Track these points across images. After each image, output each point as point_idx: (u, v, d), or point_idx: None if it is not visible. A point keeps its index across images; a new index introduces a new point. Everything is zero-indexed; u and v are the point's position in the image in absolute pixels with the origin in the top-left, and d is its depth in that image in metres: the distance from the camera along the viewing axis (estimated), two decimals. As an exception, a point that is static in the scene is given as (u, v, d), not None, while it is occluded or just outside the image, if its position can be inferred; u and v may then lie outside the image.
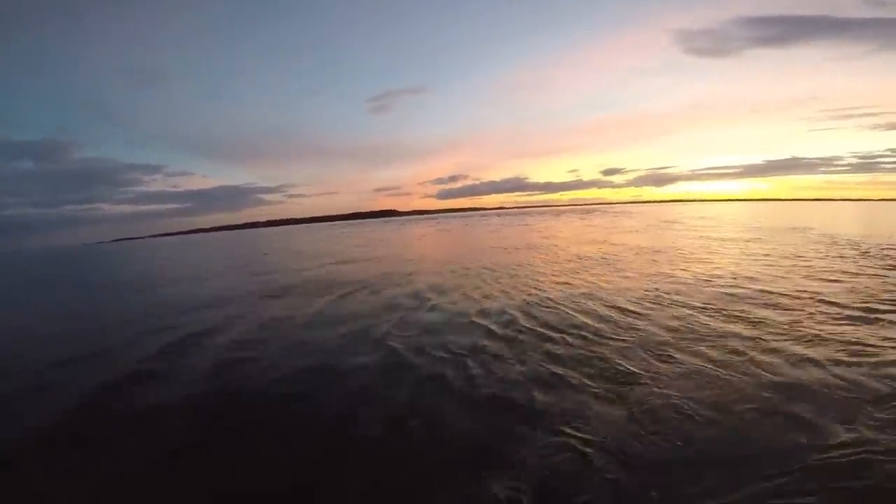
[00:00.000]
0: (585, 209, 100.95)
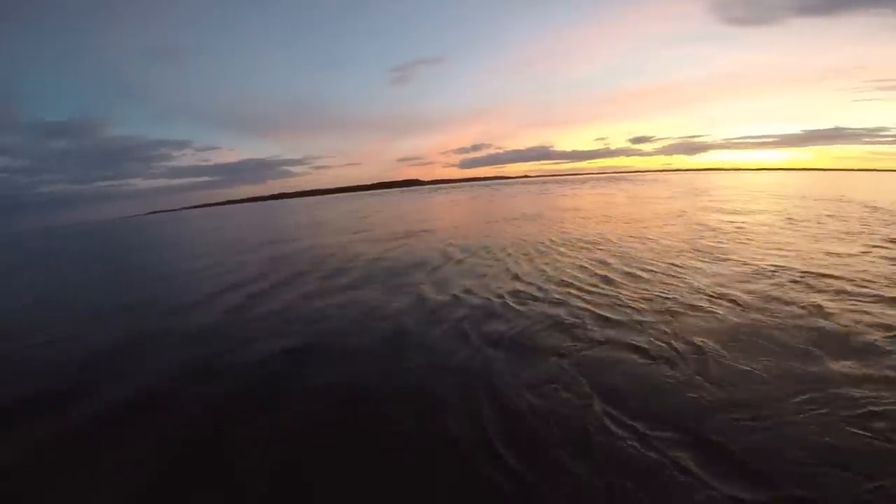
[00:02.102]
0: (612, 177, 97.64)
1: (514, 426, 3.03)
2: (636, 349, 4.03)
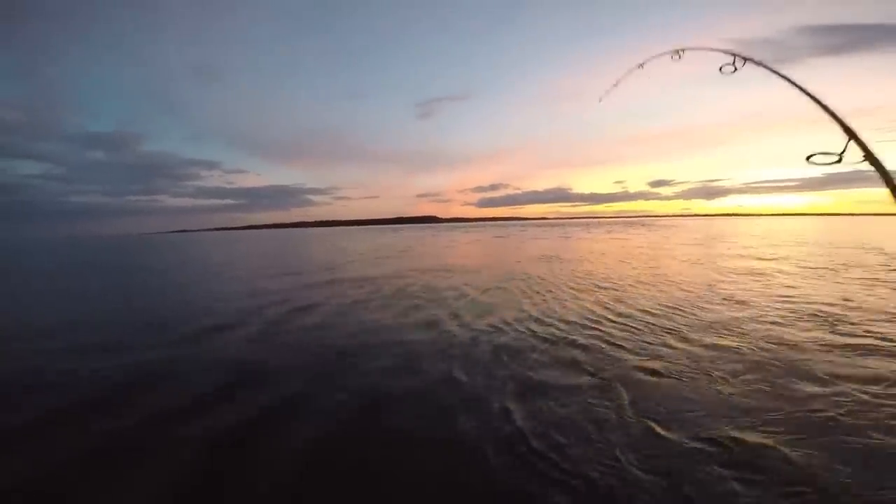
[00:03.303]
0: (629, 222, 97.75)
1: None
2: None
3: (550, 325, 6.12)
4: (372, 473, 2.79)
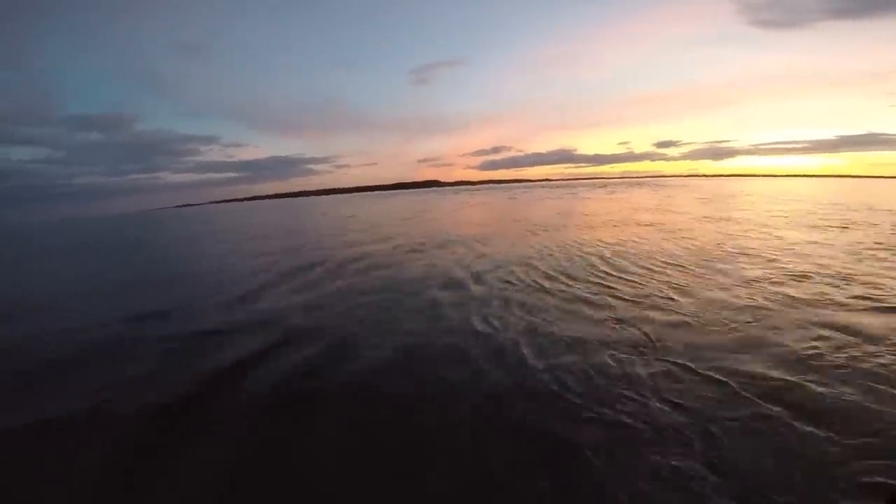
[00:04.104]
0: (636, 182, 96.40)
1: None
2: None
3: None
4: (408, 406, 3.45)
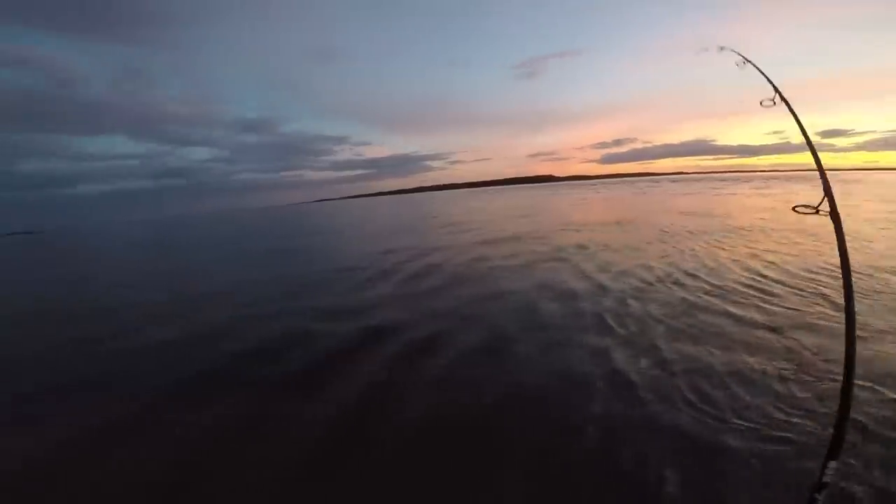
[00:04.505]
0: (792, 176, 79.18)
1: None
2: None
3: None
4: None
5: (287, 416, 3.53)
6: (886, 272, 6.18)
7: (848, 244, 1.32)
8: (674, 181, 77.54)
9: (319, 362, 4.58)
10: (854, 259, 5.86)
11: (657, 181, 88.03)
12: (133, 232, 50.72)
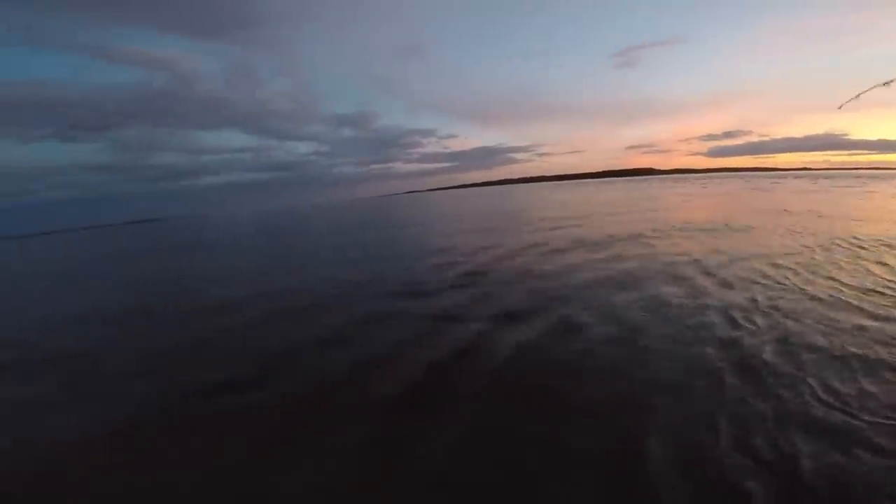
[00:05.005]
0: None
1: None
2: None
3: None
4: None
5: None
6: None
7: None
8: (797, 177, 66.69)
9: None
10: None
11: (783, 176, 76.24)
12: (260, 223, 47.29)
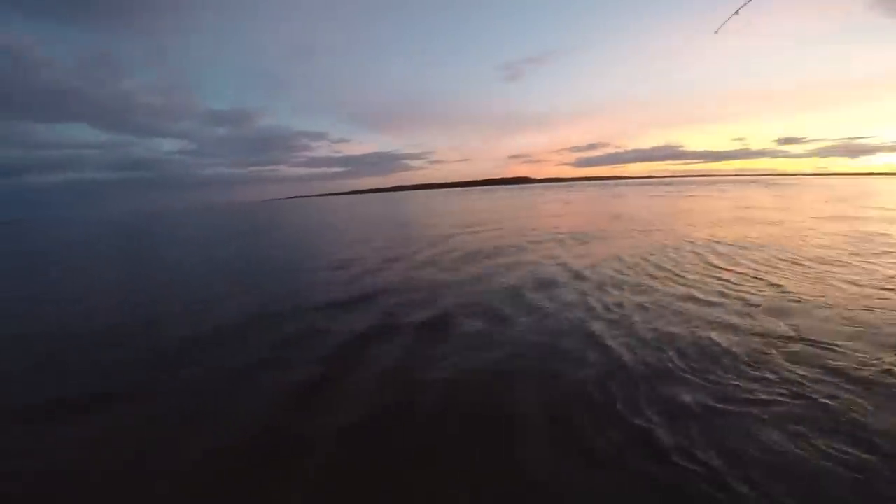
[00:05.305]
0: (752, 180, 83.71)
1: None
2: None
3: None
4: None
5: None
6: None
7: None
8: (643, 184, 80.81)
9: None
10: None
11: (631, 184, 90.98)
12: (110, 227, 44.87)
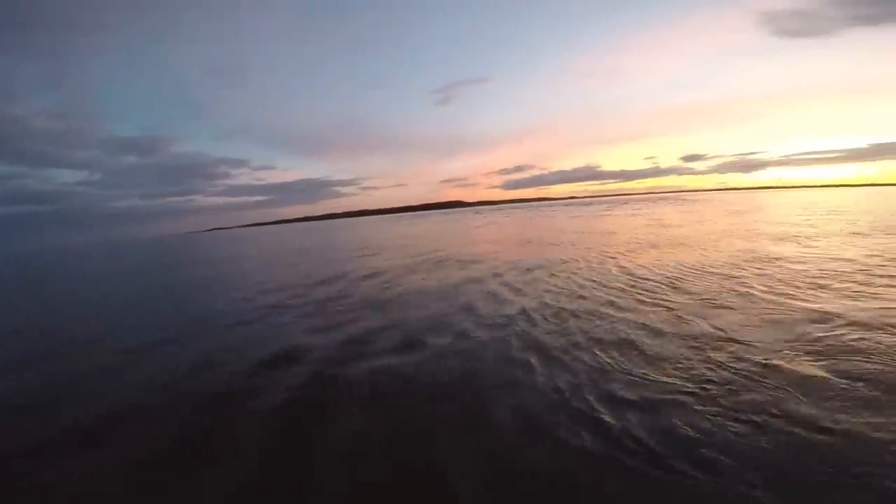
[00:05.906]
0: (661, 197, 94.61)
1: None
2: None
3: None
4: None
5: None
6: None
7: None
8: (567, 205, 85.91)
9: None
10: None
11: (553, 205, 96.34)
12: None
